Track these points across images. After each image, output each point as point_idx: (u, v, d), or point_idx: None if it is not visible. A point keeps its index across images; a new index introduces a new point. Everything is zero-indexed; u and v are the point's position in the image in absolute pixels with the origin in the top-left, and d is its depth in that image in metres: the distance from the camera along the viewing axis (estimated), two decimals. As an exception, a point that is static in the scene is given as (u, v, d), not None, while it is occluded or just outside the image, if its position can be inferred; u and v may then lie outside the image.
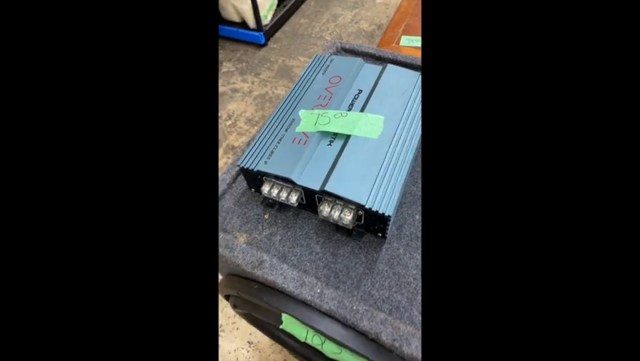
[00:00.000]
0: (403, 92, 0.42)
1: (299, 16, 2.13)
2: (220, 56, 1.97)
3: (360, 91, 0.43)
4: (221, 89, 1.82)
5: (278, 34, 2.04)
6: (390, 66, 0.45)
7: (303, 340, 0.37)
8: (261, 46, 1.96)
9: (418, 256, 0.36)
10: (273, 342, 1.12)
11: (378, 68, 0.46)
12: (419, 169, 0.42)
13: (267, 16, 1.93)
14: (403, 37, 0.74)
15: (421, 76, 0.44)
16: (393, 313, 0.33)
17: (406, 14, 0.79)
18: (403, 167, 0.36)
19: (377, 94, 0.43)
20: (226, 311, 1.19)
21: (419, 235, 0.38)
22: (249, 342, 1.14)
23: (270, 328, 0.57)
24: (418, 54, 0.68)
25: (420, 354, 0.30)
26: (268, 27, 1.94)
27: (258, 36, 1.92)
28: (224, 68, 1.91)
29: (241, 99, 1.74)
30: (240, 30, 1.95)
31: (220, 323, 1.17)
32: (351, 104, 0.42)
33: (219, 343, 1.14)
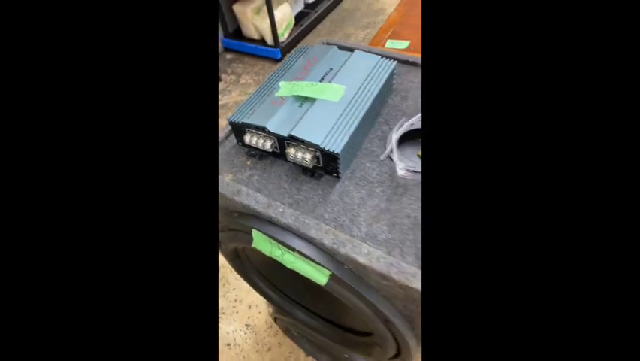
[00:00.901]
0: (364, 70, 0.52)
1: (314, 35, 2.30)
2: (239, 69, 2.14)
3: (331, 69, 0.54)
4: (238, 98, 1.97)
5: (294, 50, 2.21)
6: (357, 52, 0.56)
7: (268, 254, 0.46)
8: (277, 61, 2.12)
9: (364, 191, 0.45)
10: (269, 325, 1.19)
11: (349, 53, 0.57)
12: (378, 132, 0.52)
13: (283, 34, 2.10)
14: (388, 40, 0.84)
15: (380, 58, 0.54)
16: (337, 228, 0.41)
17: (394, 23, 0.90)
18: (354, 121, 0.46)
19: (343, 71, 0.53)
20: (227, 296, 1.27)
21: (367, 176, 0.47)
22: (246, 325, 1.21)
23: (251, 273, 0.66)
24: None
25: (353, 255, 0.38)
26: (285, 44, 2.10)
27: (275, 52, 2.08)
28: (243, 80, 2.07)
29: (256, 107, 1.87)
30: (259, 46, 2.12)
31: (221, 306, 1.26)
32: (322, 79, 0.52)
33: (219, 325, 1.22)
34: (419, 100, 0.55)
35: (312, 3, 2.39)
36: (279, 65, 0.58)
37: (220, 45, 2.22)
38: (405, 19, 0.91)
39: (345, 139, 0.44)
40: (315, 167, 0.46)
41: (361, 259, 0.38)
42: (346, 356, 0.78)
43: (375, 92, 0.49)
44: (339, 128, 0.45)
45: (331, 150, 0.43)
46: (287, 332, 1.01)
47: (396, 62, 0.54)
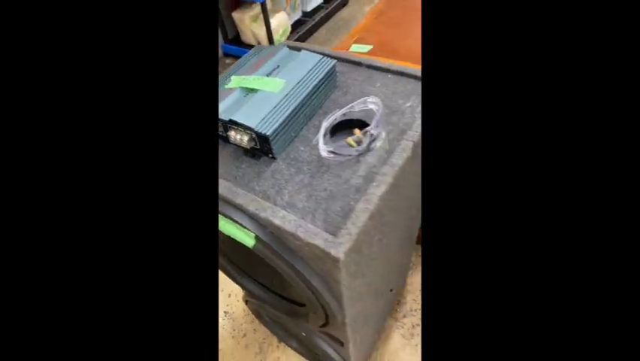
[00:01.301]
0: (305, 67, 0.60)
1: (310, 42, 2.39)
2: (237, 73, 2.23)
3: (278, 66, 0.61)
4: (233, 100, 2.05)
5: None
6: (303, 52, 0.63)
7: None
8: (273, 66, 2.20)
9: (293, 169, 0.52)
10: (246, 313, 1.25)
11: (298, 53, 0.64)
12: (316, 122, 0.58)
13: (280, 40, 2.19)
14: (353, 44, 0.92)
15: (322, 57, 0.61)
16: (263, 198, 0.48)
17: (361, 30, 0.98)
18: (287, 109, 0.53)
19: (288, 68, 0.60)
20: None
21: (298, 158, 0.53)
22: (225, 312, 1.28)
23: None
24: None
25: (270, 218, 0.45)
26: (280, 50, 2.19)
27: (271, 57, 2.16)
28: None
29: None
30: (256, 52, 2.21)
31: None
32: (269, 74, 0.60)
33: (201, 311, 1.29)
34: (357, 94, 0.62)
35: (310, 12, 2.49)
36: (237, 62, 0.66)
37: (220, 51, 2.32)
38: (372, 26, 0.98)
39: (277, 124, 0.51)
40: (253, 148, 0.53)
41: (277, 221, 0.44)
42: (304, 334, 0.84)
43: (311, 86, 0.56)
44: (274, 114, 0.52)
45: (263, 133, 0.50)
46: (259, 316, 1.07)
47: (335, 60, 0.61)
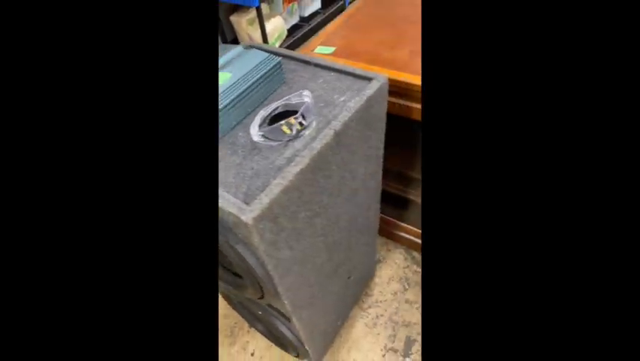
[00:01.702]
0: (251, 64, 0.67)
1: (305, 46, 2.47)
2: (233, 74, 2.32)
3: (228, 62, 0.69)
4: (228, 99, 2.14)
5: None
6: (252, 50, 0.70)
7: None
8: (268, 68, 2.29)
9: (229, 151, 0.59)
10: (220, 299, 1.32)
11: (249, 51, 0.71)
12: (259, 112, 0.65)
13: (275, 44, 2.28)
14: (319, 46, 0.99)
15: (268, 55, 0.68)
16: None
17: (330, 33, 1.05)
18: (227, 99, 0.60)
19: (236, 64, 0.67)
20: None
21: (235, 142, 0.60)
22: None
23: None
24: (328, 60, 0.93)
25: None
26: (275, 53, 2.27)
27: (266, 59, 2.25)
28: (235, 83, 2.25)
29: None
30: (252, 54, 2.30)
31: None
32: (221, 69, 0.67)
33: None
34: (299, 89, 0.69)
35: (307, 17, 2.58)
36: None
37: (219, 52, 2.42)
38: (339, 29, 1.05)
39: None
40: (196, 132, 0.61)
41: (203, 194, 0.51)
42: (260, 313, 0.90)
43: (252, 80, 0.63)
44: (220, 99, 0.59)
45: (202, 118, 0.57)
46: (228, 299, 1.14)
47: (280, 58, 0.68)
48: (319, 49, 0.97)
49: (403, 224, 1.29)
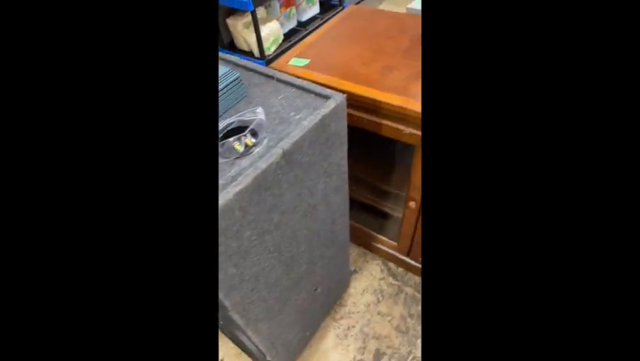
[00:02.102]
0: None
1: (301, 51, 2.47)
2: (228, 77, 2.33)
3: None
4: (220, 102, 2.15)
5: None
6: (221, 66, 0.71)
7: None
8: (262, 71, 2.30)
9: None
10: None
11: (212, 64, 0.71)
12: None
13: (270, 48, 2.29)
14: (293, 58, 0.99)
15: (229, 70, 0.68)
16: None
17: (307, 45, 1.05)
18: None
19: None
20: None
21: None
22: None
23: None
24: (299, 72, 0.93)
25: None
26: (270, 57, 2.28)
27: (261, 63, 2.26)
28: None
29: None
30: (247, 57, 2.31)
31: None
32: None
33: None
34: (258, 104, 0.69)
35: (305, 22, 2.58)
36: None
37: (215, 54, 2.43)
38: (317, 42, 1.05)
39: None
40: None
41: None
42: (221, 322, 0.90)
43: (208, 95, 0.64)
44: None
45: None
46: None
47: (238, 73, 0.68)
48: (294, 61, 0.98)
49: (379, 236, 1.28)
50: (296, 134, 0.60)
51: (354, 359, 1.14)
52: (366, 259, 1.37)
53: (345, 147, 0.77)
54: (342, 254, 1.07)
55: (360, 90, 0.86)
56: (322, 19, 2.60)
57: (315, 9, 2.61)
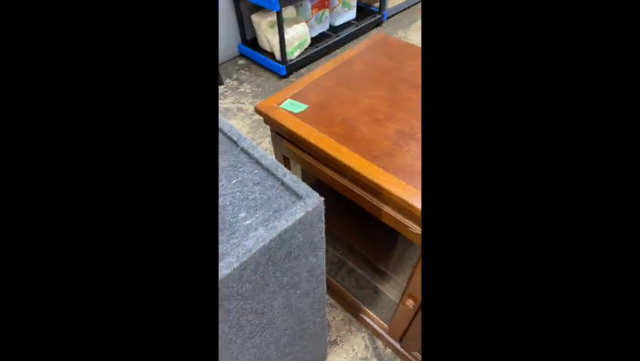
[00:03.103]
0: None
1: (328, 58, 2.25)
2: (244, 77, 2.15)
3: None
4: (230, 105, 1.98)
5: (303, 70, 2.18)
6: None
7: None
8: (282, 77, 2.11)
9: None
10: None
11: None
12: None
13: (293, 53, 2.08)
14: (288, 99, 0.79)
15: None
16: None
17: (311, 82, 0.84)
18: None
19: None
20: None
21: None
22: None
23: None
24: (290, 123, 0.73)
25: None
26: (293, 62, 2.08)
27: (281, 68, 2.07)
28: (242, 87, 2.08)
29: (241, 119, 1.87)
30: (268, 59, 2.12)
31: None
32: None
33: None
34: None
35: (338, 26, 2.35)
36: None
37: (236, 50, 2.25)
38: (323, 79, 0.84)
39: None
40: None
41: None
42: None
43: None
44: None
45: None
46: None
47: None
48: (288, 104, 0.77)
49: (369, 311, 1.08)
50: (232, 261, 0.40)
51: None
52: (351, 329, 1.17)
53: (322, 251, 0.56)
54: (314, 342, 0.87)
55: (360, 165, 0.64)
56: (357, 25, 2.36)
57: (352, 14, 2.37)
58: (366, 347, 1.13)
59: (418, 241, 0.65)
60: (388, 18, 2.56)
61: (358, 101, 0.78)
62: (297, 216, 0.44)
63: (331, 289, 1.17)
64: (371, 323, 1.10)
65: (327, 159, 0.69)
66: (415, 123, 0.72)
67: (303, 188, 0.48)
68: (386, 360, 1.10)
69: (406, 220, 0.64)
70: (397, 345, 1.05)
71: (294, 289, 0.56)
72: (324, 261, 0.60)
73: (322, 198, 0.47)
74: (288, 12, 2.04)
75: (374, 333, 1.13)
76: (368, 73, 0.86)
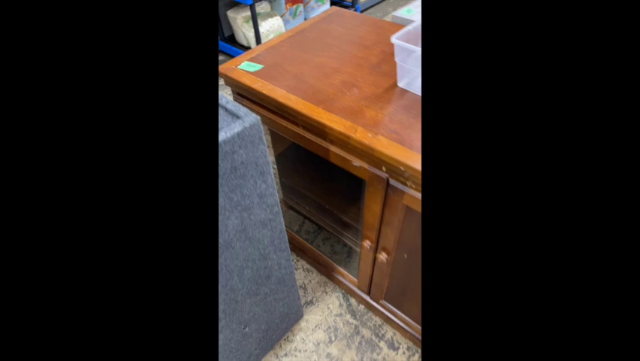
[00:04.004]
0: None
1: (304, 51, 2.34)
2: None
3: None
4: (210, 97, 2.05)
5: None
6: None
7: None
8: (259, 69, 2.18)
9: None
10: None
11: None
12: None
13: (269, 45, 2.16)
14: (246, 62, 0.86)
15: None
16: None
17: (268, 47, 0.92)
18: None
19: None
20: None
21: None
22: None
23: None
24: (245, 79, 0.80)
25: None
26: (269, 55, 2.16)
27: (258, 60, 2.14)
28: (221, 81, 2.16)
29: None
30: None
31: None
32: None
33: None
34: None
35: (312, 21, 2.45)
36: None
37: (215, 46, 2.33)
38: (280, 45, 0.92)
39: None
40: None
41: None
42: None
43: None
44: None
45: None
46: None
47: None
48: (245, 65, 0.85)
49: (340, 268, 1.15)
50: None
51: (290, 404, 1.01)
52: (326, 290, 1.23)
53: (270, 177, 0.64)
54: (284, 289, 0.94)
55: (306, 109, 0.72)
56: (331, 19, 2.45)
57: (325, 8, 2.47)
58: (340, 304, 1.20)
59: (360, 174, 0.72)
60: (362, 12, 2.67)
61: (309, 60, 0.86)
62: (236, 130, 0.52)
63: (307, 255, 1.23)
64: (344, 280, 1.16)
65: (279, 107, 0.76)
66: (358, 75, 0.80)
67: (243, 110, 0.55)
68: (359, 315, 1.16)
69: (349, 155, 0.71)
70: (368, 298, 1.11)
71: (247, 213, 0.63)
72: (276, 191, 0.67)
73: (259, 117, 0.54)
74: (263, 7, 2.14)
75: (347, 291, 1.19)
76: (320, 38, 0.94)
